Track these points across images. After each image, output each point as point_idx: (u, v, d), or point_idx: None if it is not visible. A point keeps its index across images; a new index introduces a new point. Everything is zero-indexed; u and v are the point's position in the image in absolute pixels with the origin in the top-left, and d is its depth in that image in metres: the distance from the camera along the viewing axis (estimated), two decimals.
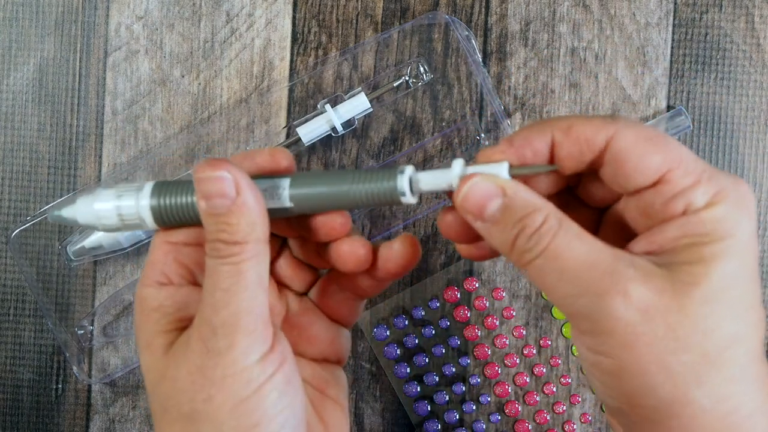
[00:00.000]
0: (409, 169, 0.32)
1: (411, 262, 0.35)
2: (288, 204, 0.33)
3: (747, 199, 0.30)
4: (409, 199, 0.32)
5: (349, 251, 0.34)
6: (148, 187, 0.33)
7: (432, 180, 0.32)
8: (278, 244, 0.37)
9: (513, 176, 0.31)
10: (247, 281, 0.31)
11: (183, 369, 0.31)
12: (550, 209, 0.30)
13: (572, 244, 0.29)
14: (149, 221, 0.33)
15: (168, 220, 0.33)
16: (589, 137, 0.31)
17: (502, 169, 0.31)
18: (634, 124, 0.31)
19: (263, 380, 0.31)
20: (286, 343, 0.33)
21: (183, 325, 0.33)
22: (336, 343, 0.38)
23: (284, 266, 0.37)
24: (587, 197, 0.34)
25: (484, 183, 0.31)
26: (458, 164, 0.32)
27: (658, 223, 0.30)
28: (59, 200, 0.35)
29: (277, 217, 0.34)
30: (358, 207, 0.33)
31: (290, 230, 0.35)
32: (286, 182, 0.33)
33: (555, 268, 0.29)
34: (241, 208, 0.31)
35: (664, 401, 0.29)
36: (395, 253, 0.35)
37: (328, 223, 0.34)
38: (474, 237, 0.33)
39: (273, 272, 0.37)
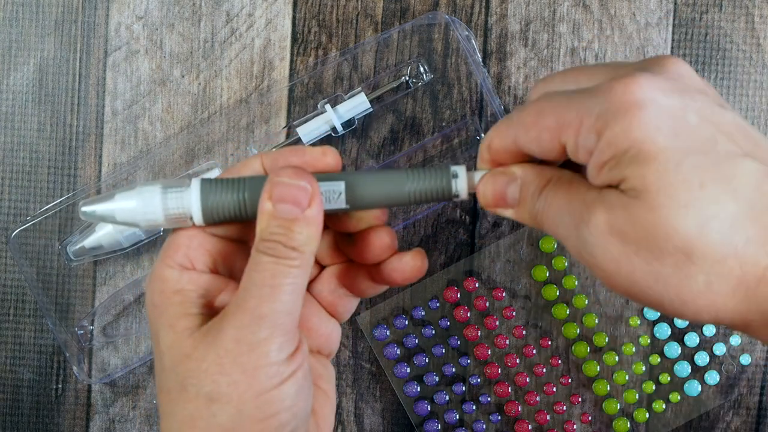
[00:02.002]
0: (462, 171, 0.35)
1: (417, 276, 0.37)
2: (345, 206, 0.34)
3: (620, 99, 0.29)
4: (463, 197, 0.35)
5: (377, 238, 0.36)
6: (196, 183, 0.34)
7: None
8: None
9: None
10: (295, 285, 0.33)
11: (212, 352, 0.32)
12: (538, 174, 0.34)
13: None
14: (198, 219, 0.34)
15: (216, 217, 0.34)
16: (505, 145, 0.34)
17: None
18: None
19: (286, 376, 0.33)
20: (306, 345, 0.35)
21: (206, 311, 0.34)
22: (331, 336, 0.39)
23: None
24: None
25: (496, 177, 0.34)
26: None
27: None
28: (93, 197, 0.34)
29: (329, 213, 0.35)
30: (409, 205, 0.35)
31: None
32: (341, 186, 0.34)
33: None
34: (308, 221, 0.33)
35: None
36: (404, 265, 0.37)
37: (371, 215, 0.36)
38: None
39: None
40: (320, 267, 0.39)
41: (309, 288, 0.39)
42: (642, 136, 0.29)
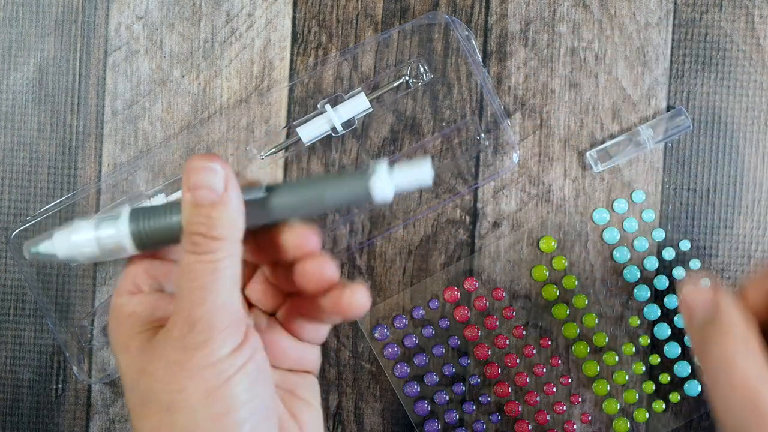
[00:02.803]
0: (381, 170, 0.34)
1: (358, 314, 0.35)
2: (262, 194, 0.34)
3: None
4: (383, 200, 0.34)
5: (314, 269, 0.35)
6: (125, 213, 0.35)
7: (405, 178, 0.34)
8: (251, 269, 0.38)
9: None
10: (224, 279, 0.33)
11: (161, 363, 0.33)
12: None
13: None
14: (129, 247, 0.35)
15: (147, 243, 0.35)
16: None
17: (426, 165, 0.34)
18: None
19: (233, 371, 0.33)
20: (257, 337, 0.34)
21: (155, 326, 0.35)
22: (304, 358, 0.39)
23: (254, 287, 0.38)
24: None
25: (700, 295, 0.37)
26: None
27: None
28: (35, 238, 0.36)
29: (253, 225, 0.35)
30: (332, 208, 0.35)
31: (263, 255, 0.37)
32: (262, 188, 0.35)
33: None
34: (226, 204, 0.33)
35: None
36: (344, 301, 0.35)
37: (299, 237, 0.35)
38: None
39: (243, 292, 0.38)
40: (284, 294, 0.38)
41: (275, 314, 0.39)
42: None
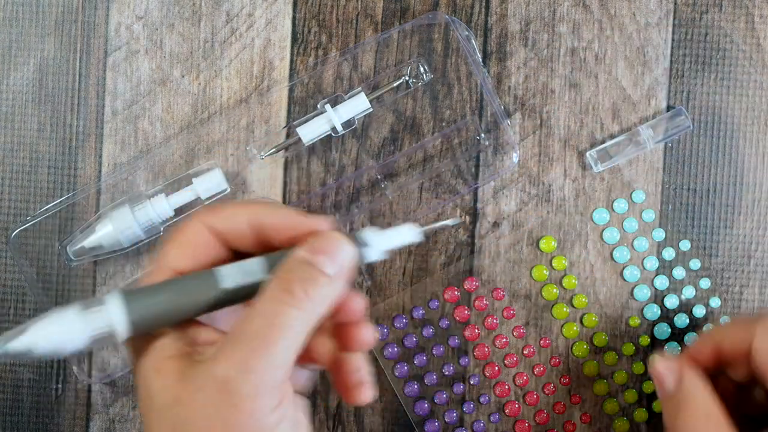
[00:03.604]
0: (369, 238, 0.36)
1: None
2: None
3: None
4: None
5: (359, 336, 0.37)
6: (115, 300, 0.33)
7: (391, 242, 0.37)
8: None
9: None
10: (294, 338, 0.33)
11: (200, 397, 0.32)
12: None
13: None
14: (122, 335, 0.33)
15: (144, 328, 0.33)
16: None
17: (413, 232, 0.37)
18: None
19: (272, 428, 0.32)
20: (291, 392, 0.34)
21: (185, 352, 0.34)
22: (302, 383, 0.39)
23: None
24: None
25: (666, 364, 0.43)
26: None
27: None
28: (6, 333, 0.32)
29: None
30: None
31: None
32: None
33: None
34: (336, 280, 0.34)
35: None
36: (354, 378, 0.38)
37: (357, 303, 0.37)
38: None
39: None
40: None
41: None
42: None
